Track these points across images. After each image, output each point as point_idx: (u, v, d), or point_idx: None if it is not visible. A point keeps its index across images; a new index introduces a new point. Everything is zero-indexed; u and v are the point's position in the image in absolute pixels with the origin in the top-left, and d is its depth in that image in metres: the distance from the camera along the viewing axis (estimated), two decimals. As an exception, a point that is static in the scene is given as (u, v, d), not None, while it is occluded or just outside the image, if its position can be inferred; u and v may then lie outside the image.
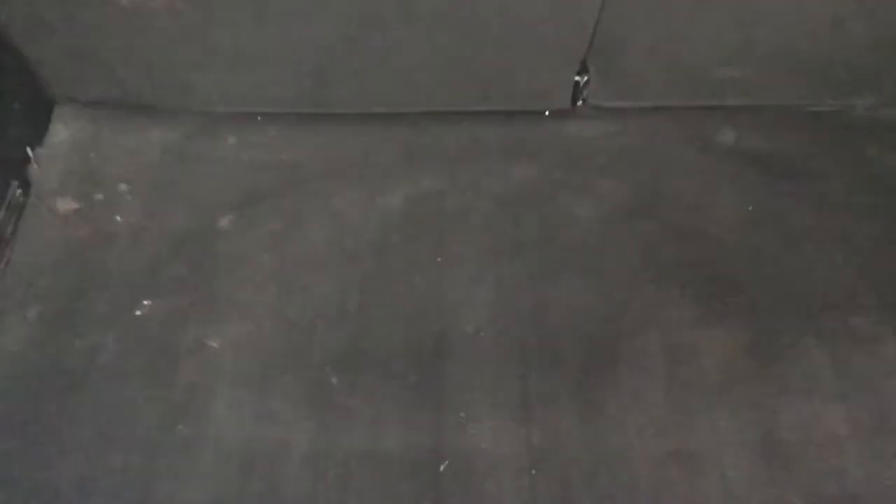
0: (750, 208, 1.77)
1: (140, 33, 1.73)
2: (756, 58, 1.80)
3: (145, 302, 1.63)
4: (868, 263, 1.67)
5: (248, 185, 1.81)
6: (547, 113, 1.94)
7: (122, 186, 1.80)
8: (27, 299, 1.64)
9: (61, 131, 1.87)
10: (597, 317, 1.61)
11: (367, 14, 1.68)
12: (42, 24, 1.70)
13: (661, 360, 1.55)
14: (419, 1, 1.66)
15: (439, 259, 1.69)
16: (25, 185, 1.79)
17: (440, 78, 1.84)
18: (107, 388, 1.53)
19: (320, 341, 1.58)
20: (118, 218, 1.76)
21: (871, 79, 1.86)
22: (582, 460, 1.43)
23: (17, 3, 1.66)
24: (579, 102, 1.92)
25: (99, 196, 1.79)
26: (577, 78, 1.88)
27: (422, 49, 1.77)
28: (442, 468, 1.43)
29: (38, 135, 1.86)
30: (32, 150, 1.83)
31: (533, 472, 1.42)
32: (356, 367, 1.55)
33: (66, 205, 1.77)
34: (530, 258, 1.70)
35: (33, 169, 1.82)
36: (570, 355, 1.56)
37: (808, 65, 1.82)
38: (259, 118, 1.90)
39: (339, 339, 1.58)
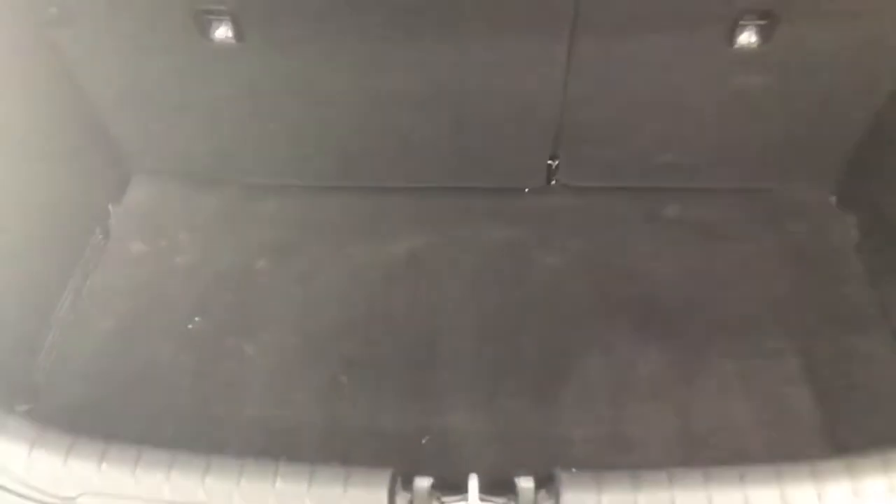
0: (686, 263, 2.18)
1: (202, 129, 2.24)
2: (690, 147, 2.25)
3: (196, 319, 2.06)
4: (776, 304, 2.07)
5: (280, 237, 2.26)
6: (526, 190, 2.39)
7: (182, 235, 2.26)
8: (103, 315, 2.07)
9: (136, 193, 2.36)
10: (556, 337, 2.00)
11: (382, 108, 2.17)
12: (128, 111, 2.21)
13: (604, 371, 1.93)
14: (425, 103, 2.15)
15: (433, 293, 2.11)
16: (106, 232, 2.26)
17: (441, 159, 2.31)
18: (160, 381, 1.93)
19: (333, 350, 1.99)
20: (177, 259, 2.21)
21: (791, 163, 2.30)
22: (535, 438, 1.79)
23: (112, 95, 2.17)
24: (552, 182, 2.38)
25: (163, 242, 2.25)
26: (549, 162, 2.34)
27: (426, 138, 2.25)
28: (424, 441, 1.80)
29: (117, 195, 2.34)
30: (112, 206, 2.31)
31: (495, 445, 1.78)
32: (361, 369, 1.95)
33: (136, 248, 2.23)
34: (506, 294, 2.11)
35: (112, 221, 2.29)
36: (532, 365, 1.95)
37: (737, 152, 2.27)
38: (292, 187, 2.37)
39: (349, 349, 1.99)
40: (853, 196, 2.27)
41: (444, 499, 1.33)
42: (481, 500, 1.32)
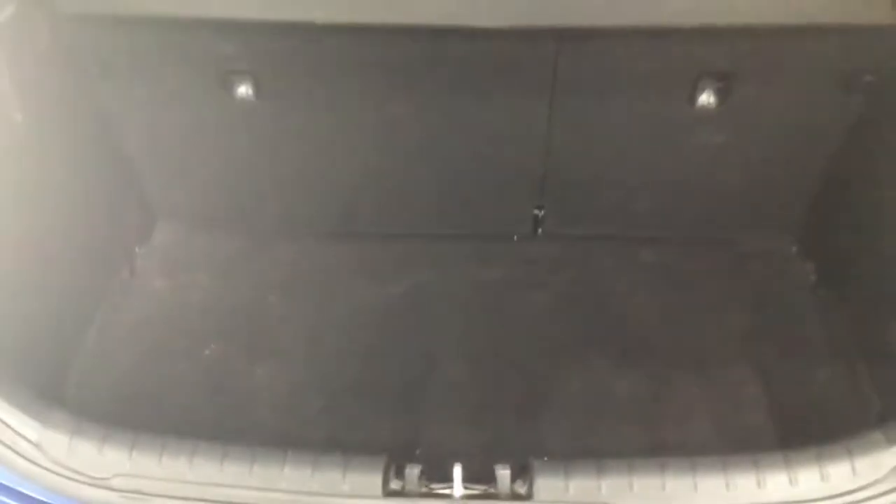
0: (658, 302, 2.40)
1: (221, 178, 2.49)
2: (661, 198, 2.49)
3: (212, 346, 2.27)
4: (740, 339, 2.27)
5: (290, 276, 2.48)
6: (515, 238, 2.63)
7: (200, 274, 2.49)
8: (128, 343, 2.28)
9: (160, 235, 2.59)
10: (539, 364, 2.21)
11: (382, 161, 2.42)
12: (156, 160, 2.46)
13: (583, 393, 2.13)
14: (422, 157, 2.39)
15: (427, 325, 2.32)
16: (132, 270, 2.48)
17: (436, 208, 2.55)
18: (179, 398, 2.13)
19: (336, 374, 2.19)
20: (196, 294, 2.43)
21: (753, 214, 2.53)
22: (516, 449, 1.98)
23: (143, 145, 2.42)
24: (539, 230, 2.61)
25: (183, 279, 2.47)
26: (536, 212, 2.58)
27: (422, 189, 2.49)
28: (417, 452, 1.99)
29: (143, 238, 2.57)
30: (139, 248, 2.54)
31: (479, 455, 1.97)
32: (361, 391, 2.15)
33: (159, 284, 2.45)
34: (494, 327, 2.32)
35: (138, 261, 2.52)
36: (517, 386, 2.15)
37: (703, 203, 2.50)
38: (301, 232, 2.60)
39: (350, 374, 2.19)
40: (811, 243, 2.49)
41: (432, 485, 1.52)
42: (465, 487, 1.51)
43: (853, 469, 1.46)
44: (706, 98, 2.18)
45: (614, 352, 2.24)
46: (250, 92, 2.23)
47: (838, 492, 1.45)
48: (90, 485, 1.49)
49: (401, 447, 2.00)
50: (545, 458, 1.52)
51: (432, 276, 2.49)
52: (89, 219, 2.30)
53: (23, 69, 1.93)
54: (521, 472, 1.51)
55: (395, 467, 1.52)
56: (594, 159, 2.40)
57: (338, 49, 2.13)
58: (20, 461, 1.49)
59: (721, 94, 2.17)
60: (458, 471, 1.51)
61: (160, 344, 2.28)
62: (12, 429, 1.51)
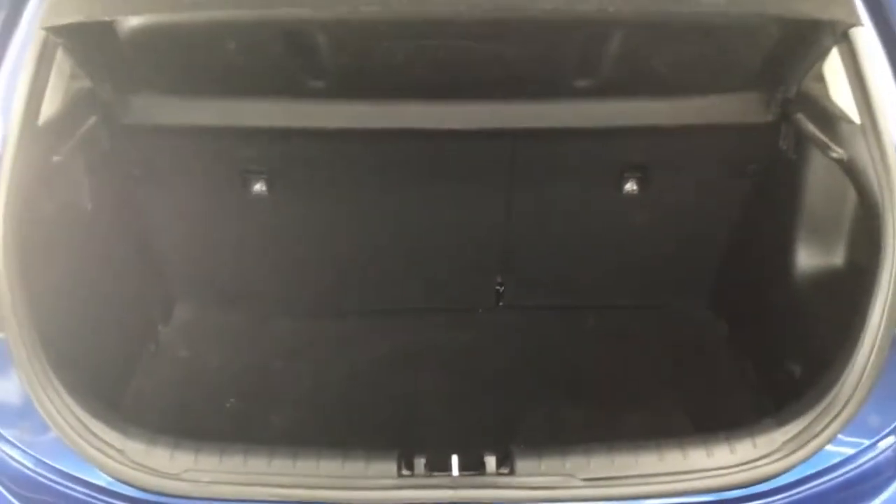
0: (603, 355, 2.90)
1: (233, 262, 2.96)
2: (601, 271, 3.02)
3: (231, 400, 2.68)
4: (668, 381, 2.77)
5: (292, 344, 2.93)
6: (480, 310, 3.12)
7: (216, 344, 2.92)
8: (158, 402, 2.69)
9: (180, 314, 3.03)
10: (507, 402, 2.67)
11: (367, 247, 2.92)
12: (180, 249, 2.93)
13: (545, 420, 2.60)
14: (398, 241, 2.91)
15: (409, 378, 2.78)
16: (157, 344, 2.91)
17: (415, 288, 3.05)
18: (210, 438, 2.51)
19: (339, 416, 2.62)
20: (214, 360, 2.86)
21: (674, 282, 3.08)
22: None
23: (169, 238, 2.89)
24: (500, 303, 3.12)
25: (202, 348, 2.90)
26: (497, 287, 3.09)
27: (399, 270, 2.99)
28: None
29: (165, 317, 3.00)
30: (161, 326, 2.97)
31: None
32: (361, 429, 2.56)
33: (182, 354, 2.88)
34: (466, 376, 2.79)
35: (161, 337, 2.94)
36: (489, 418, 2.60)
37: (634, 275, 3.05)
38: (302, 308, 3.06)
39: (350, 416, 2.62)
40: (722, 303, 3.04)
41: (434, 473, 1.96)
42: (460, 474, 1.95)
43: (754, 444, 1.95)
44: (630, 186, 2.75)
45: (568, 392, 2.72)
46: (263, 188, 2.73)
47: (744, 460, 1.93)
48: (165, 478, 1.89)
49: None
50: (522, 446, 1.98)
51: (412, 342, 2.96)
52: (122, 300, 2.73)
53: (92, 168, 2.42)
54: (505, 458, 1.95)
55: (405, 460, 1.95)
56: (544, 240, 2.94)
57: (333, 153, 2.66)
58: (110, 462, 1.89)
59: (641, 183, 2.75)
60: (454, 460, 1.95)
61: (187, 400, 2.68)
62: (102, 439, 1.92)
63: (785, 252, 2.57)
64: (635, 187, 2.76)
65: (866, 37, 2.08)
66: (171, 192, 2.74)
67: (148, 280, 2.89)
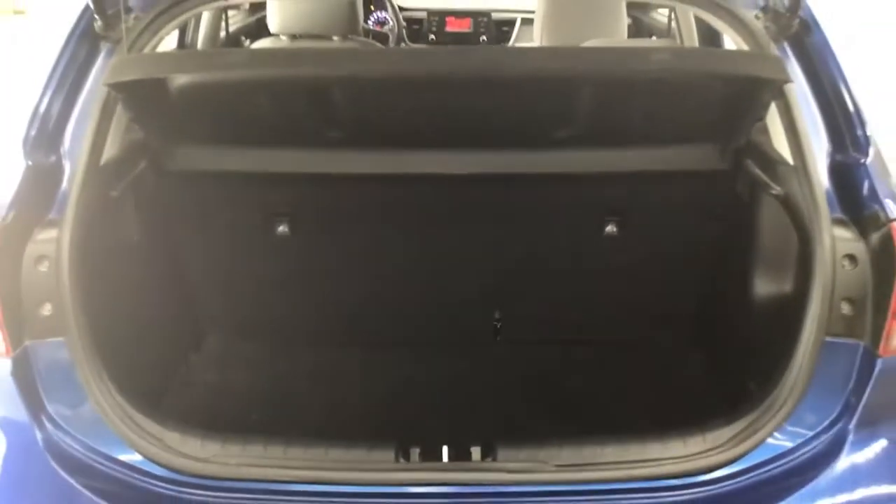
0: (588, 384, 3.20)
1: (257, 297, 3.33)
2: (589, 308, 3.35)
3: (254, 415, 3.00)
4: (650, 404, 3.06)
5: (312, 370, 3.25)
6: (480, 344, 3.44)
7: (243, 370, 3.25)
8: (190, 417, 3.00)
9: (209, 344, 3.38)
10: (497, 424, 2.92)
11: (377, 283, 3.28)
12: (211, 286, 3.29)
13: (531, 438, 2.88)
14: (406, 280, 3.26)
15: (416, 393, 3.09)
16: (188, 368, 3.25)
17: (422, 322, 3.38)
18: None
19: (354, 429, 2.89)
20: (240, 385, 3.19)
21: (656, 319, 3.39)
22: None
23: (202, 277, 3.26)
24: (498, 337, 3.44)
25: (229, 375, 3.23)
26: (495, 323, 3.42)
27: (403, 308, 3.33)
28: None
29: (196, 345, 3.36)
30: (194, 353, 3.32)
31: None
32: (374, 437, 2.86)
33: (210, 378, 3.21)
34: (465, 402, 3.08)
35: (190, 363, 3.29)
36: (483, 432, 2.85)
37: (619, 312, 3.36)
38: (320, 338, 3.40)
39: (364, 427, 2.90)
40: (701, 337, 3.35)
41: (427, 462, 2.27)
42: (449, 461, 2.26)
43: (704, 439, 2.25)
44: (610, 228, 3.10)
45: (555, 417, 3.00)
46: (286, 229, 3.11)
47: (694, 451, 2.23)
48: (197, 461, 2.22)
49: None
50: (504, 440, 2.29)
51: (418, 371, 3.28)
52: (158, 325, 3.09)
53: (139, 206, 2.82)
54: (488, 449, 2.26)
55: (402, 450, 2.27)
56: (536, 279, 3.28)
57: (348, 197, 3.04)
58: (151, 448, 2.22)
59: (620, 225, 3.09)
60: (445, 449, 2.27)
61: (214, 414, 3.00)
62: (144, 429, 2.25)
63: (746, 286, 2.89)
64: (615, 229, 3.11)
65: (798, 91, 2.45)
66: (205, 231, 3.12)
67: (182, 309, 3.25)
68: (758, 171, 2.63)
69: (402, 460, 2.26)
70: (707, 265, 3.18)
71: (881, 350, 2.21)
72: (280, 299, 3.33)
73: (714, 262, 3.15)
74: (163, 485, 2.21)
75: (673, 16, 4.37)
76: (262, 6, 4.52)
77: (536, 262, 3.23)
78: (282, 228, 3.11)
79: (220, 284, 3.29)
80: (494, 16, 5.74)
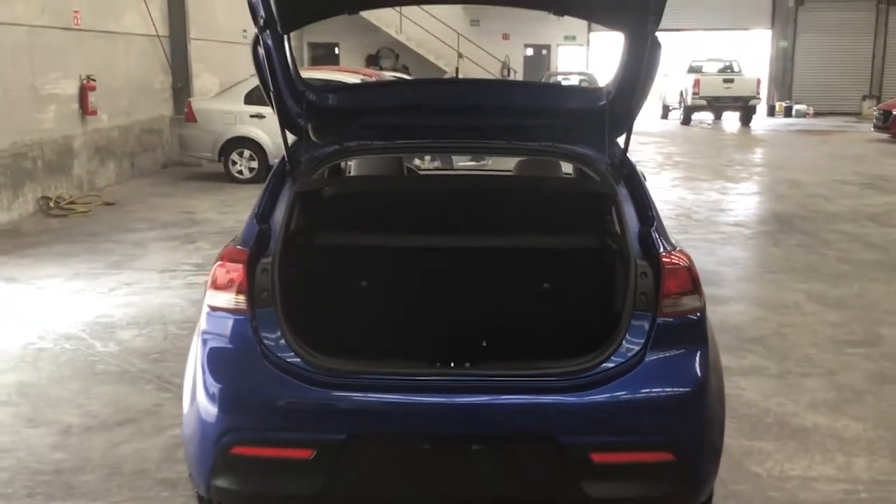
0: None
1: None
2: (548, 337, 5.61)
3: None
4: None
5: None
6: (467, 365, 5.64)
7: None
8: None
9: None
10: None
11: (404, 314, 5.68)
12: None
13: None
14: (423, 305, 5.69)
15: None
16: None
17: (429, 343, 5.54)
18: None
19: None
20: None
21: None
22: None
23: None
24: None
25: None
26: (483, 345, 5.75)
27: (423, 337, 5.58)
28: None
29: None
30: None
31: None
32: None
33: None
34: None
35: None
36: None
37: (573, 342, 5.75)
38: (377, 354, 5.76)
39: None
40: (597, 316, 5.71)
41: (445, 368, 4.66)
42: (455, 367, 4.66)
43: (578, 361, 4.68)
44: (546, 285, 5.55)
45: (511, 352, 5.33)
46: (366, 283, 5.61)
47: (579, 363, 4.65)
48: (337, 364, 4.62)
49: None
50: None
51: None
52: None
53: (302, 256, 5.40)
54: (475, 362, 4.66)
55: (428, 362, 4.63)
56: (508, 315, 5.58)
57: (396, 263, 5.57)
58: (312, 359, 4.61)
59: (552, 284, 5.56)
60: (452, 364, 4.71)
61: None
62: (308, 351, 4.66)
63: (610, 289, 5.29)
64: (549, 286, 5.61)
65: (623, 198, 5.04)
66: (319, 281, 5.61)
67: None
68: (613, 247, 5.20)
69: (438, 365, 4.60)
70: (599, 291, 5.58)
71: (658, 315, 4.58)
72: (354, 326, 5.70)
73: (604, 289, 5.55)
74: (311, 371, 4.27)
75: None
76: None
77: (505, 303, 5.47)
78: (363, 283, 5.62)
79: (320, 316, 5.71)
80: None
